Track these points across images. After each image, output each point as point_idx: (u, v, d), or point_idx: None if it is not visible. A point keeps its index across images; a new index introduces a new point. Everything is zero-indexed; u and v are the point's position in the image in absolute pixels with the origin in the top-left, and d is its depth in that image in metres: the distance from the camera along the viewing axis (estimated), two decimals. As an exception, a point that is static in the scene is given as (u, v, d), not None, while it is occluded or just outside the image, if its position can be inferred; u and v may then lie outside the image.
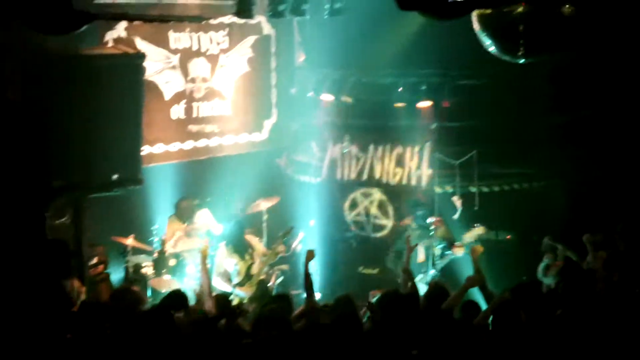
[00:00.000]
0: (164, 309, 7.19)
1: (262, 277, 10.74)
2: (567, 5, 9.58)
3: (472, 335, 6.65)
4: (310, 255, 8.62)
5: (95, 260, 11.39)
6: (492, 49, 10.11)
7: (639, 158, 12.11)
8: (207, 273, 8.96)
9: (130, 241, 11.60)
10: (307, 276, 8.37)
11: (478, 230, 10.98)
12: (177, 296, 7.83)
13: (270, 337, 6.64)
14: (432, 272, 10.96)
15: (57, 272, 8.92)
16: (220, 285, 10.62)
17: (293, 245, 12.50)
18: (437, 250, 11.11)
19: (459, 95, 12.73)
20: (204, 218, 12.22)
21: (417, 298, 7.98)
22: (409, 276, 8.67)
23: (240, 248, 10.77)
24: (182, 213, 12.02)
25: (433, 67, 12.90)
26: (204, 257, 9.08)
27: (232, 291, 10.49)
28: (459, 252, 10.89)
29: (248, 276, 10.68)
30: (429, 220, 11.24)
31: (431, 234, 11.15)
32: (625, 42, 11.94)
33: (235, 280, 10.68)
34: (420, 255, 11.08)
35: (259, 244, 11.22)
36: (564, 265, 10.06)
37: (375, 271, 12.36)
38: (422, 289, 10.24)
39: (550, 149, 12.68)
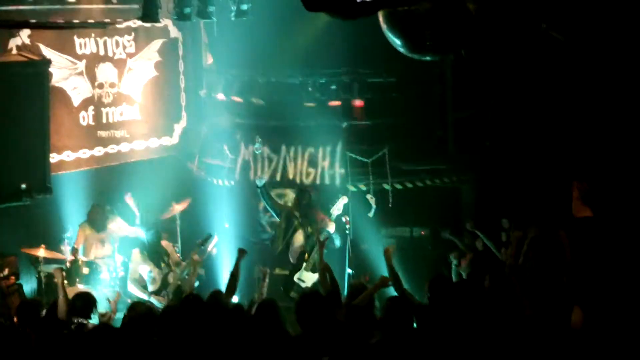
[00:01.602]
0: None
1: (178, 284, 10.63)
2: (472, 2, 9.74)
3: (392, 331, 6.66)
4: (241, 253, 8.73)
5: (6, 272, 11.17)
6: (399, 47, 10.21)
7: (548, 149, 12.38)
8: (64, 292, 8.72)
9: (41, 252, 11.37)
10: (234, 276, 8.46)
11: (342, 200, 11.09)
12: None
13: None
14: (349, 270, 11.03)
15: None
16: (135, 292, 10.48)
17: (208, 249, 12.42)
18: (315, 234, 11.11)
19: (368, 94, 12.84)
20: (116, 224, 12.06)
21: (338, 295, 7.96)
22: (328, 271, 8.62)
23: (156, 255, 10.63)
24: (94, 220, 11.83)
25: (342, 66, 12.98)
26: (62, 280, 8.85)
27: (148, 298, 10.36)
28: (331, 227, 10.99)
29: (164, 284, 10.56)
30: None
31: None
32: (530, 34, 12.19)
33: (151, 288, 10.54)
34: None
35: (174, 252, 11.12)
36: (473, 257, 10.26)
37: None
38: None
39: (459, 145, 12.88)
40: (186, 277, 10.41)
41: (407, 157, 12.88)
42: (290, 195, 13.38)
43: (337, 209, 11.03)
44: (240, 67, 13.53)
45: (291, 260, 11.25)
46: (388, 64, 12.69)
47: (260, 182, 11.60)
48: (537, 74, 12.07)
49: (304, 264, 10.99)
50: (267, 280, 9.23)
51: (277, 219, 11.77)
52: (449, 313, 6.91)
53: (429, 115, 12.85)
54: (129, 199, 12.18)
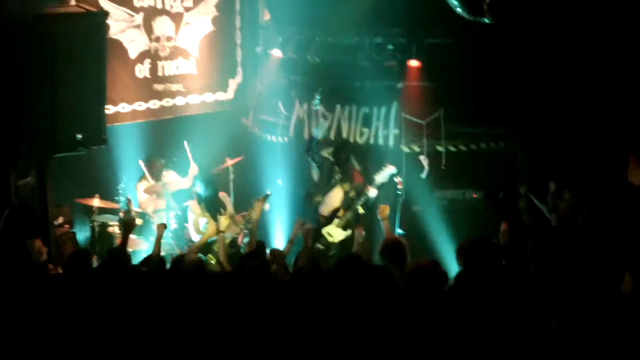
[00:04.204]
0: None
1: (234, 236, 10.75)
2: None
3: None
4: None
5: (60, 220, 11.36)
6: (457, 8, 10.10)
7: (607, 115, 12.18)
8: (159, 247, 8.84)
9: (95, 202, 11.53)
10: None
11: (389, 169, 10.98)
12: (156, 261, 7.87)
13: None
14: (399, 231, 11.00)
15: (21, 234, 8.87)
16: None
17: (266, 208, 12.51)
18: (352, 194, 11.12)
19: (425, 55, 12.69)
20: (170, 178, 12.19)
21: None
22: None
23: (213, 207, 10.71)
24: (151, 173, 11.98)
25: (399, 26, 12.83)
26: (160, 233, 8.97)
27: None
28: (372, 192, 10.89)
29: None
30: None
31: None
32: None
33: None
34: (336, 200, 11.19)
35: (230, 204, 11.20)
36: (513, 222, 10.09)
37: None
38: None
39: (516, 108, 12.72)
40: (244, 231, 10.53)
41: (463, 119, 12.73)
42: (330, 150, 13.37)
43: (380, 177, 10.93)
44: (297, 25, 13.46)
45: (322, 214, 11.23)
46: (446, 26, 12.53)
47: (317, 133, 11.58)
48: (597, 37, 11.86)
49: (337, 220, 10.99)
50: (311, 234, 9.24)
51: (317, 172, 11.76)
52: (483, 281, 6.79)
53: (486, 78, 12.70)
54: (186, 147, 12.26)
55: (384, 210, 9.05)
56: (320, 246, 10.88)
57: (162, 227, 9.08)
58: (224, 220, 10.50)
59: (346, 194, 11.11)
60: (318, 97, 12.98)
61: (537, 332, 6.14)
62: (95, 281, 7.12)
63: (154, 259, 8.16)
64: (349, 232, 10.81)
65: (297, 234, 9.19)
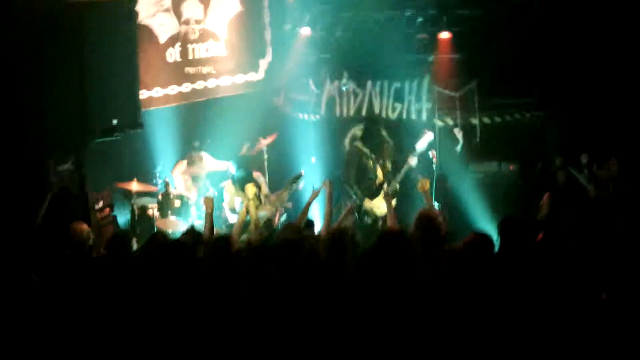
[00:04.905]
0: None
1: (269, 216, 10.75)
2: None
3: None
4: (314, 194, 8.82)
5: (101, 204, 11.47)
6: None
7: (631, 83, 12.09)
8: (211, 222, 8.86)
9: (134, 185, 11.63)
10: (304, 212, 8.62)
11: (428, 136, 10.96)
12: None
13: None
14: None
15: (63, 219, 8.96)
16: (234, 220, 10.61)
17: (299, 187, 12.55)
18: (389, 165, 11.11)
19: (456, 27, 12.63)
20: (205, 159, 12.26)
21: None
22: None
23: (248, 187, 10.72)
24: (188, 156, 12.11)
25: (429, -1, 12.80)
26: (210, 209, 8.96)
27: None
28: (413, 161, 10.84)
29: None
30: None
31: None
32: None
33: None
34: (379, 174, 11.15)
35: (264, 184, 11.23)
36: (552, 194, 10.01)
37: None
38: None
39: (548, 78, 12.65)
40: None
41: (496, 91, 12.69)
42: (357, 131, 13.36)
43: (420, 145, 10.92)
44: (325, 2, 13.43)
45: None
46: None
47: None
48: (627, 5, 11.77)
49: (382, 192, 11.00)
50: (351, 214, 9.23)
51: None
52: (520, 259, 6.76)
53: (518, 49, 12.63)
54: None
55: (425, 183, 9.03)
56: (368, 220, 10.93)
57: (210, 200, 8.37)
58: (250, 188, 10.49)
59: (384, 167, 11.10)
60: (346, 77, 12.98)
61: (585, 305, 6.11)
62: (138, 263, 7.19)
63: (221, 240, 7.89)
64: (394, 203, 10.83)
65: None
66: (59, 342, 6.35)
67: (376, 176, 11.14)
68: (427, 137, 10.90)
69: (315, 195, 9.03)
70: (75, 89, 9.98)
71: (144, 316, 6.34)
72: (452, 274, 6.11)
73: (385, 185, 11.03)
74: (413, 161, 10.86)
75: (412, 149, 10.91)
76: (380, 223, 10.84)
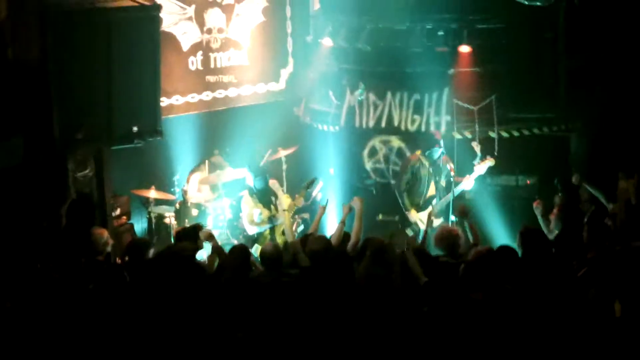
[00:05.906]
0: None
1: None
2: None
3: None
4: (322, 210, 9.18)
5: (118, 212, 11.53)
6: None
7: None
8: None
9: (152, 193, 11.69)
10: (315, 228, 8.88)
11: (489, 161, 10.98)
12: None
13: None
14: (452, 218, 10.97)
15: (82, 225, 9.05)
16: (253, 232, 10.62)
17: (313, 194, 12.56)
18: (443, 182, 11.18)
19: (476, 40, 12.62)
20: (224, 168, 12.31)
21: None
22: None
23: (265, 197, 10.72)
24: (208, 164, 12.16)
25: (450, 12, 12.77)
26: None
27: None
28: (468, 184, 10.96)
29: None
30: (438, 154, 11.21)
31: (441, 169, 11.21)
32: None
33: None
34: (431, 189, 11.20)
35: (281, 192, 11.24)
36: (564, 209, 9.98)
37: (395, 218, 12.34)
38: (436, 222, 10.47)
39: (569, 93, 12.62)
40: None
41: (515, 104, 12.67)
42: (395, 142, 13.38)
43: (480, 168, 11.03)
44: (347, 13, 13.45)
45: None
46: (497, 10, 12.49)
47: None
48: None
49: (430, 207, 11.03)
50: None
51: None
52: (542, 267, 6.80)
53: (539, 63, 12.62)
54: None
55: (463, 209, 9.08)
56: (410, 232, 11.09)
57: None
58: (285, 199, 10.55)
59: (438, 183, 11.15)
60: (362, 87, 13.03)
61: (597, 316, 6.14)
62: (153, 271, 7.23)
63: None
64: (441, 219, 10.87)
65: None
66: (71, 340, 6.45)
67: (428, 190, 11.16)
68: (489, 162, 10.94)
69: (322, 210, 9.14)
70: (100, 93, 10.03)
71: (156, 322, 6.42)
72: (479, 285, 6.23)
73: (434, 201, 11.09)
74: (468, 184, 10.89)
75: (472, 171, 10.95)
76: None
